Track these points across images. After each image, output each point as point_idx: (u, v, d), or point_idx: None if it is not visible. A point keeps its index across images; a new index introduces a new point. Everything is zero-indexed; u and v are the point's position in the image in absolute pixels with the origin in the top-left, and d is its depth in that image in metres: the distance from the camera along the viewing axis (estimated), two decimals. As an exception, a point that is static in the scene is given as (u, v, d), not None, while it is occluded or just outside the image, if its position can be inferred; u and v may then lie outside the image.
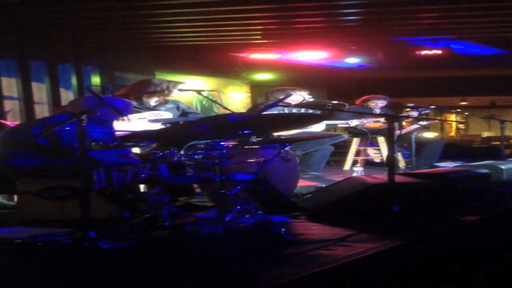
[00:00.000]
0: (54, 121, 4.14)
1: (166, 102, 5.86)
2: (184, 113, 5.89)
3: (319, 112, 5.96)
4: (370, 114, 7.28)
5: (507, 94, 14.50)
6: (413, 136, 6.28)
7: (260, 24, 7.62)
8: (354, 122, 7.41)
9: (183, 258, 2.91)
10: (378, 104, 8.08)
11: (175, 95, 5.85)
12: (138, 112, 5.55)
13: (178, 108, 5.92)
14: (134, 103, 5.64)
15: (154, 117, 5.45)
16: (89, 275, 2.60)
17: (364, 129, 7.65)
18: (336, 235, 3.27)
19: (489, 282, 3.56)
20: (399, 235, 3.25)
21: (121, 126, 4.96)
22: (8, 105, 6.98)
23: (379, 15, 7.09)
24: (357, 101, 8.28)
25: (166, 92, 5.75)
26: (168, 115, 5.61)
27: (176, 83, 5.86)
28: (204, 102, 9.79)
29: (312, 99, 6.65)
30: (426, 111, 7.35)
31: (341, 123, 7.54)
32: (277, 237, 3.19)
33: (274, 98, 6.56)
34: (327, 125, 7.16)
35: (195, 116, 5.77)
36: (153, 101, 5.78)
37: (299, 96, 6.56)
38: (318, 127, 6.76)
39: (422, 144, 7.69)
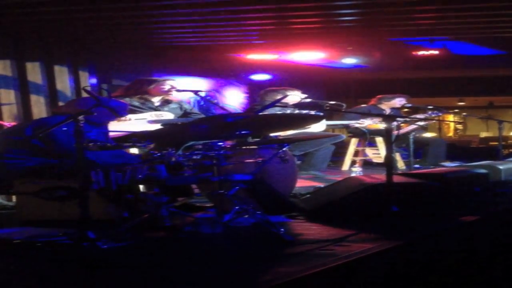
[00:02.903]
0: (48, 122, 4.13)
1: (170, 102, 5.86)
2: (185, 114, 5.88)
3: (315, 112, 5.94)
4: (369, 114, 7.27)
5: (504, 94, 14.51)
6: (411, 137, 6.28)
7: (257, 24, 7.61)
8: (366, 122, 7.37)
9: (182, 259, 2.91)
10: (396, 103, 8.01)
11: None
12: (140, 112, 5.54)
13: (181, 108, 5.92)
14: (136, 103, 5.64)
15: (154, 118, 5.44)
16: (88, 275, 2.60)
17: (364, 129, 7.63)
18: (334, 235, 3.27)
19: (487, 283, 3.56)
20: (398, 235, 3.26)
21: (120, 126, 4.96)
22: (5, 106, 6.96)
23: (376, 15, 7.09)
24: (373, 100, 8.22)
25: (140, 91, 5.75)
26: (170, 116, 5.59)
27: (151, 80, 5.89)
28: (202, 103, 9.78)
29: (307, 99, 6.63)
30: (439, 114, 7.30)
31: (342, 123, 7.51)
32: (276, 237, 3.19)
33: (270, 99, 6.53)
34: (327, 125, 7.13)
35: (195, 117, 5.76)
36: (156, 101, 5.79)
37: (296, 97, 6.56)
38: (318, 127, 6.73)
39: (425, 144, 7.67)
